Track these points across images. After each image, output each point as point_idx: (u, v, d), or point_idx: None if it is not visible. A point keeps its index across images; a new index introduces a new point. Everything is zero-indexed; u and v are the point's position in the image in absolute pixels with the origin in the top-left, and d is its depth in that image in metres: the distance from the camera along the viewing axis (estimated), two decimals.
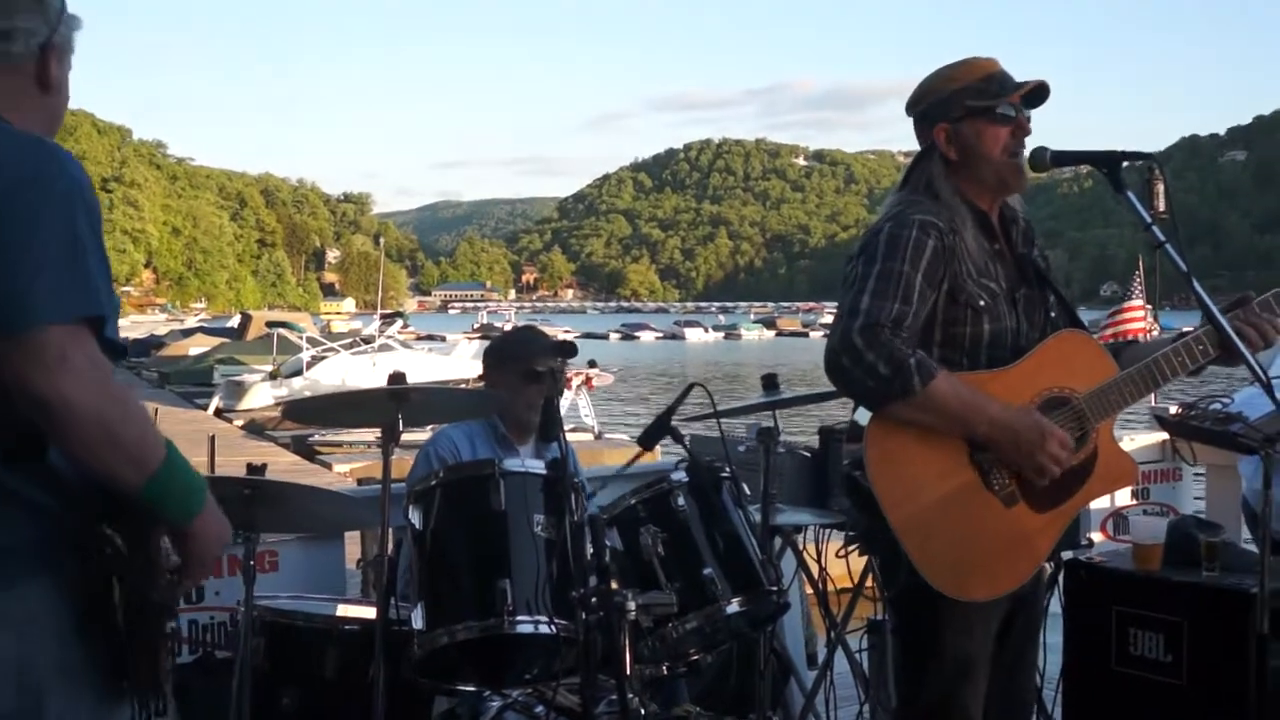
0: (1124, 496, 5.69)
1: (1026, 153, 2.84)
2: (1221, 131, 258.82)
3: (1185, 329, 2.91)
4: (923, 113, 2.89)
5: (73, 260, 1.83)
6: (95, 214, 1.90)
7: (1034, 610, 3.07)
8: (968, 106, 2.81)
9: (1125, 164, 2.72)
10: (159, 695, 2.02)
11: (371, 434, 19.95)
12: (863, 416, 2.76)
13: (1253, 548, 3.78)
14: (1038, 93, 2.85)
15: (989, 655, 2.84)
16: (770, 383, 4.06)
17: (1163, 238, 2.63)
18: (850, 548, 3.17)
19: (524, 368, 3.81)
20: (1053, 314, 2.96)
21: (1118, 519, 5.53)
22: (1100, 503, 5.47)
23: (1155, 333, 10.73)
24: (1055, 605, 3.87)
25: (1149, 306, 10.87)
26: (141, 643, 1.95)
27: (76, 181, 1.90)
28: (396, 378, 3.13)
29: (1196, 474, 6.19)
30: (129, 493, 1.87)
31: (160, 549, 1.98)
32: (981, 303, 2.77)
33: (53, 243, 1.81)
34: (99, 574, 1.91)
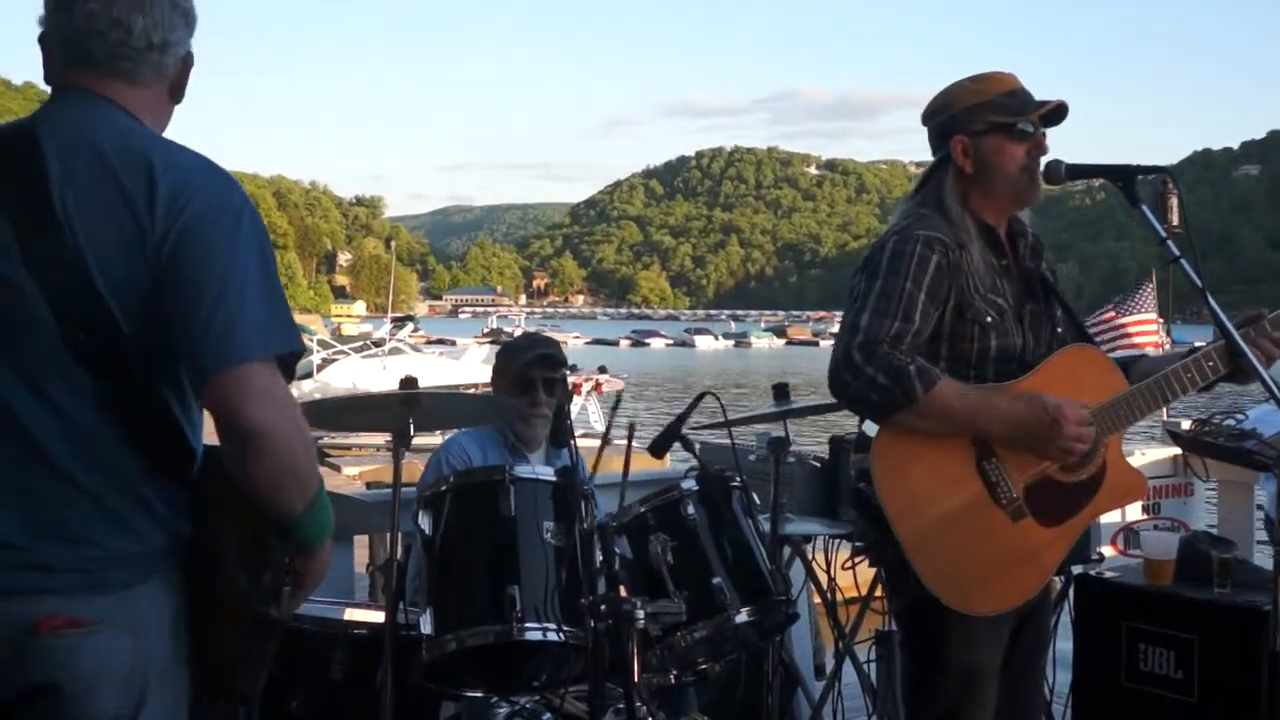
0: (1135, 511, 5.66)
1: (1040, 167, 2.84)
2: (1235, 145, 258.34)
3: (1197, 343, 2.89)
4: (941, 124, 2.88)
5: (271, 294, 1.91)
6: (270, 243, 1.97)
7: (1042, 624, 3.06)
8: (989, 121, 2.80)
9: (1140, 178, 2.71)
10: (249, 706, 2.07)
11: (381, 437, 20.00)
12: (871, 427, 2.76)
13: (1265, 564, 3.76)
14: (1057, 112, 2.84)
15: (997, 668, 2.83)
16: (781, 392, 4.06)
17: (1177, 252, 2.62)
18: (857, 559, 3.16)
19: (511, 378, 3.83)
20: (1059, 329, 2.95)
21: (1129, 534, 5.50)
22: (1111, 517, 5.44)
23: (1168, 346, 10.67)
24: (1065, 619, 3.86)
25: (1161, 320, 10.81)
26: (248, 658, 2.02)
27: (254, 209, 1.96)
28: (408, 383, 3.13)
29: (1208, 490, 6.17)
30: (286, 518, 1.95)
31: (283, 568, 2.04)
32: (989, 319, 2.76)
33: (253, 275, 1.89)
34: (207, 582, 1.97)
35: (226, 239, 1.88)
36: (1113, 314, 9.37)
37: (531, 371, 3.80)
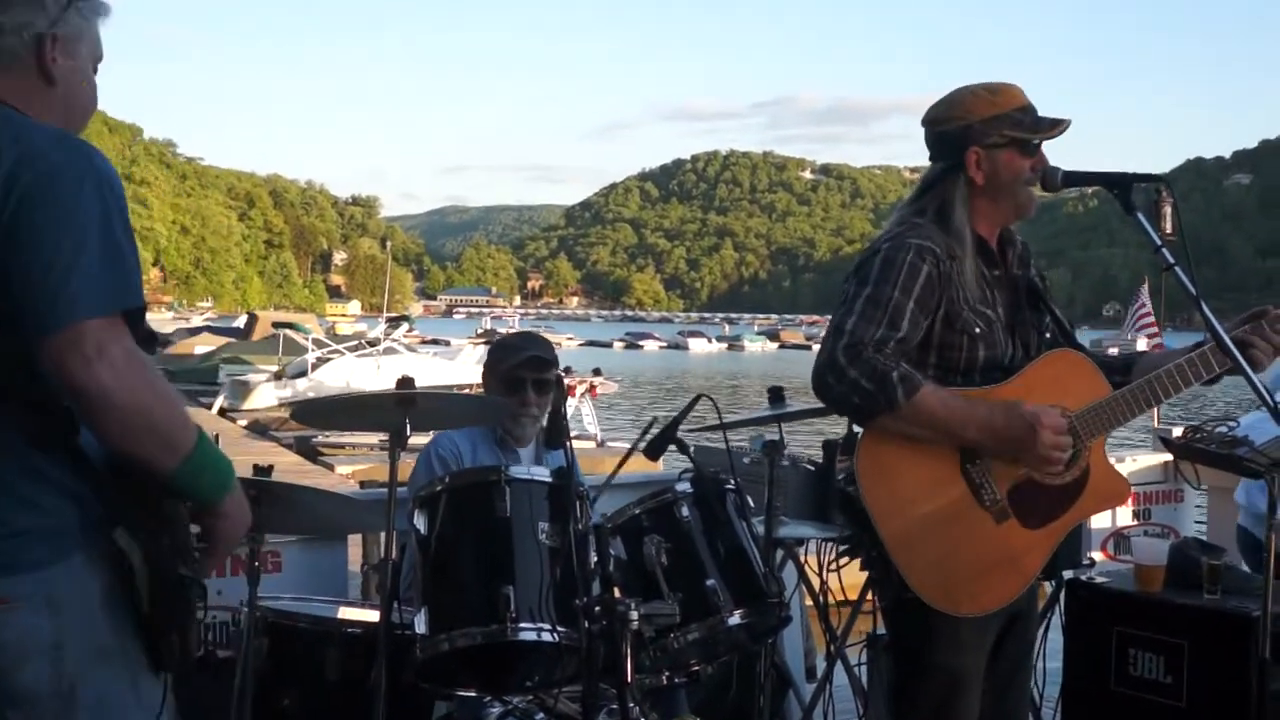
0: (1125, 517, 5.69)
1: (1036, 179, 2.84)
2: (1226, 155, 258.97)
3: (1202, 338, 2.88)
4: (952, 132, 2.84)
5: (109, 253, 1.87)
6: (124, 206, 1.94)
7: (1028, 627, 3.06)
8: (1006, 135, 2.79)
9: (1135, 186, 2.71)
10: (188, 671, 2.05)
11: (375, 437, 19.97)
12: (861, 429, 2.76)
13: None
14: (1060, 128, 2.85)
15: (981, 671, 2.83)
16: (777, 395, 4.06)
17: (1172, 259, 2.62)
18: (842, 561, 3.16)
19: (500, 377, 3.83)
20: (1048, 335, 2.95)
21: (1119, 539, 5.52)
22: (1101, 522, 5.46)
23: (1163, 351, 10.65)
24: (1056, 623, 3.87)
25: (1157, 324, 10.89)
26: (170, 620, 1.99)
27: (105, 174, 1.92)
28: (405, 382, 3.13)
29: (1198, 496, 6.18)
30: (162, 476, 1.92)
31: (186, 527, 2.02)
32: (977, 330, 2.77)
33: (88, 236, 1.85)
34: (126, 554, 1.94)
35: (62, 202, 1.85)
36: (1139, 304, 9.47)
37: (521, 372, 3.80)
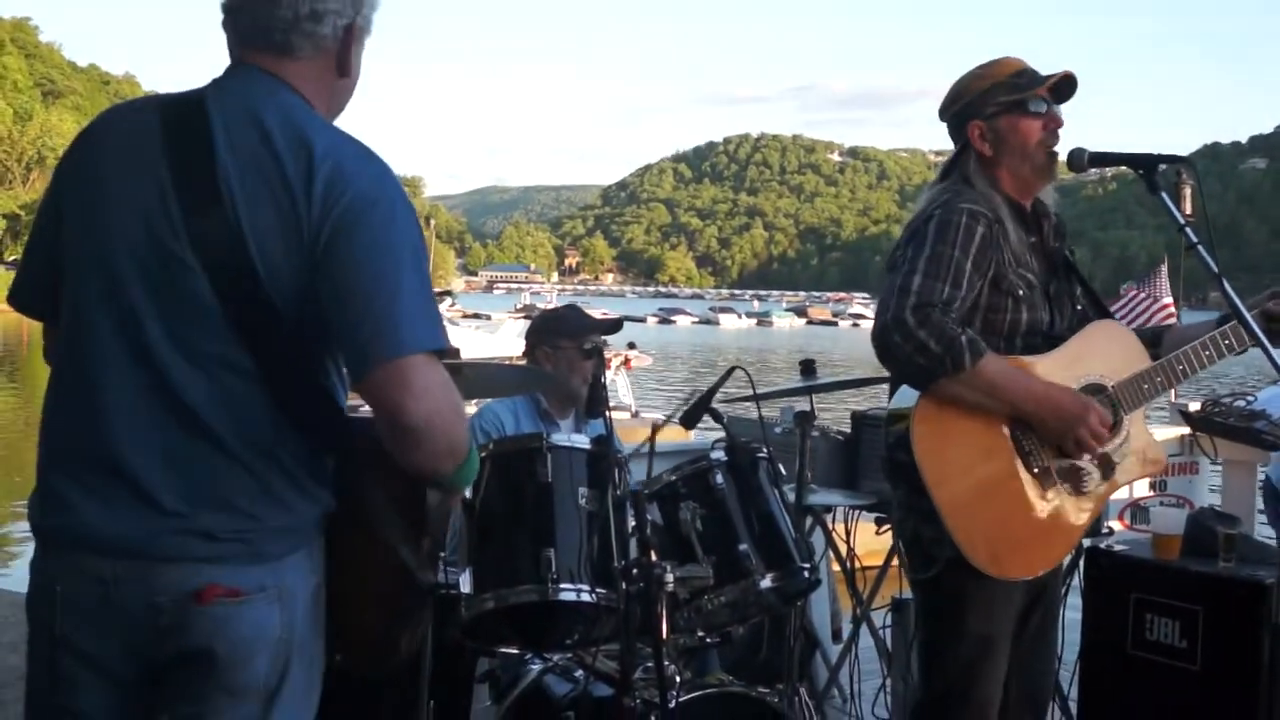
0: (1142, 488, 5.64)
1: (1063, 153, 2.80)
2: (1243, 139, 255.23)
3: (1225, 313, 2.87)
4: (956, 113, 2.86)
5: (425, 287, 1.85)
6: (422, 234, 1.90)
7: (1054, 595, 3.05)
8: (1000, 102, 2.78)
9: (1160, 167, 2.68)
10: (385, 671, 2.06)
11: None
12: (898, 403, 2.74)
13: (1268, 537, 3.73)
14: (1065, 85, 2.81)
15: (1009, 636, 2.82)
16: (808, 368, 4.05)
17: (1195, 239, 2.59)
18: (885, 527, 3.15)
19: (579, 343, 3.82)
20: (1080, 306, 2.93)
21: (1136, 509, 5.47)
22: (1119, 493, 5.41)
23: None
24: (1074, 590, 3.84)
25: (1174, 304, 10.77)
26: (404, 627, 1.99)
27: (409, 202, 1.89)
28: (451, 353, 3.13)
29: (1213, 468, 6.12)
30: (438, 478, 1.90)
31: (442, 530, 2.05)
32: (1021, 291, 2.75)
33: (407, 269, 1.81)
34: (367, 553, 1.93)
35: (381, 230, 1.80)
36: (1137, 291, 9.34)
37: (596, 337, 3.80)
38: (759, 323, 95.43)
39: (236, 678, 1.83)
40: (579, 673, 3.08)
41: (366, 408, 1.84)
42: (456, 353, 3.18)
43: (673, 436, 4.70)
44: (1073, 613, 3.76)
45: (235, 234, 1.79)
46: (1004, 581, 2.72)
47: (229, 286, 1.80)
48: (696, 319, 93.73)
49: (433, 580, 1.99)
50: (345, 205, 1.79)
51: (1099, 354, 2.78)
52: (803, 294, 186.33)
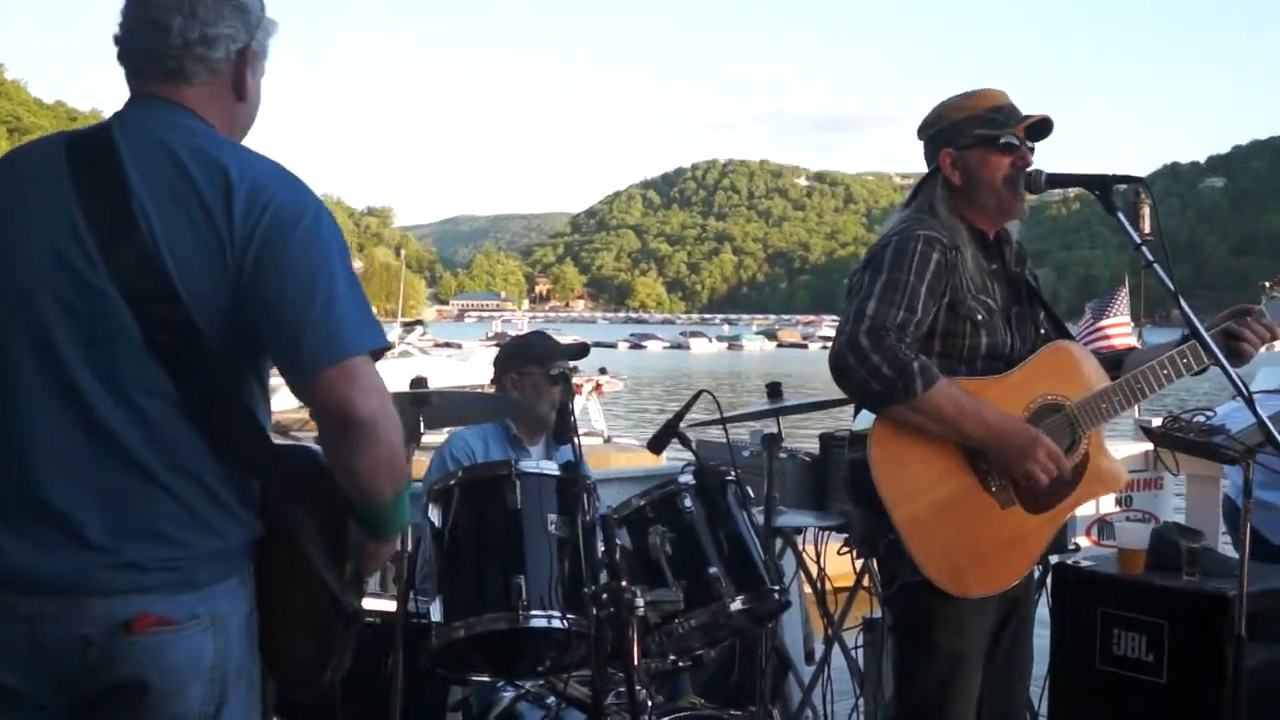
0: (1108, 504, 5.68)
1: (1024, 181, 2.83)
2: (1201, 159, 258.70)
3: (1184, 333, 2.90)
4: (932, 137, 2.89)
5: (358, 290, 1.87)
6: (345, 241, 1.93)
7: (1026, 611, 3.06)
8: (974, 135, 2.81)
9: (1116, 187, 2.71)
10: (313, 699, 2.03)
11: None
12: (861, 424, 2.75)
13: (1231, 552, 3.76)
14: (1041, 127, 2.85)
15: (982, 652, 2.83)
16: (775, 391, 4.06)
17: (1151, 257, 2.62)
18: (850, 548, 3.16)
19: (546, 368, 3.81)
20: (1043, 330, 2.96)
21: (1102, 525, 5.51)
22: (1086, 509, 5.44)
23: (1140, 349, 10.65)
24: (1043, 606, 3.86)
25: (1132, 323, 10.86)
26: (331, 652, 1.97)
27: (328, 210, 1.91)
28: (418, 382, 3.13)
29: (1176, 483, 6.17)
30: (375, 508, 1.91)
31: (363, 558, 2.01)
32: (979, 317, 2.77)
33: (339, 273, 1.84)
34: (293, 581, 1.92)
35: (309, 241, 1.83)
36: (1088, 317, 9.42)
37: (563, 362, 3.80)
38: (729, 346, 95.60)
39: (171, 707, 1.82)
40: (551, 699, 3.07)
41: (303, 433, 1.84)
42: (424, 382, 3.18)
43: (641, 461, 4.70)
44: (1041, 628, 3.78)
45: (154, 260, 1.80)
46: (972, 598, 2.73)
47: (149, 312, 1.80)
48: (667, 344, 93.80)
49: (356, 606, 1.97)
50: (269, 222, 1.81)
51: (1058, 374, 2.81)
52: (772, 317, 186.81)
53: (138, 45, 1.93)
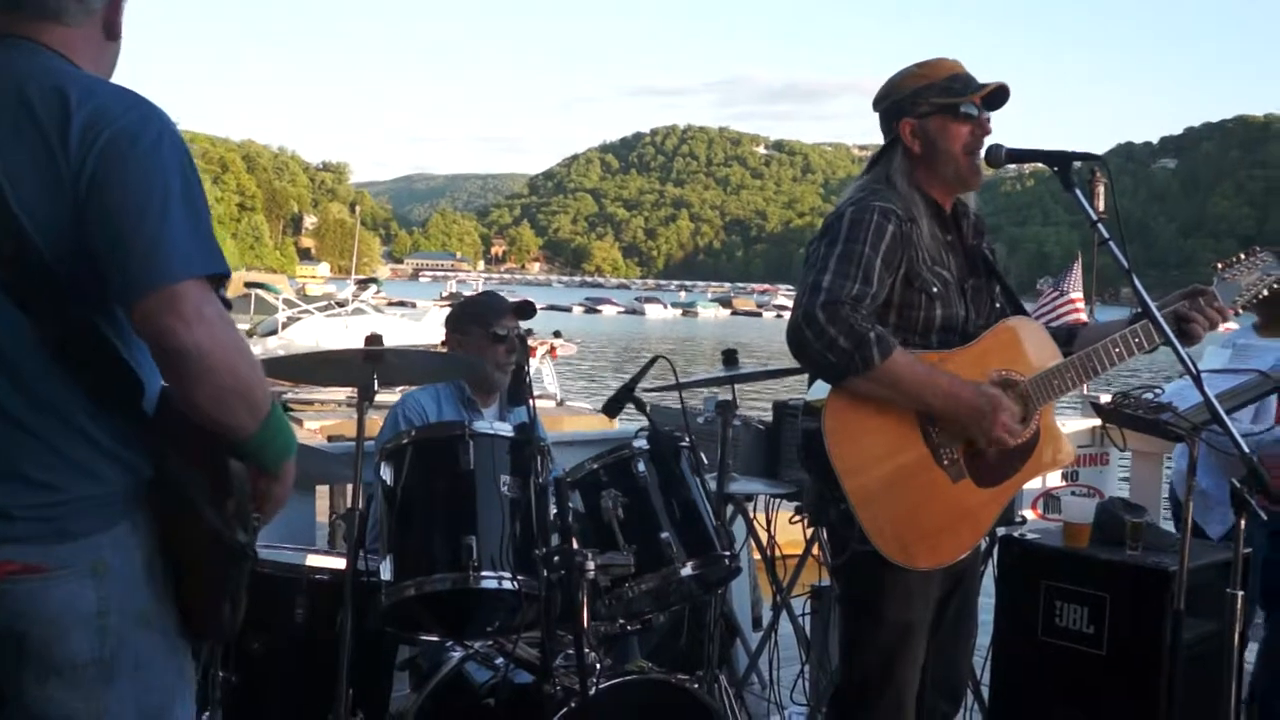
0: (1054, 478, 5.75)
1: (983, 152, 2.84)
2: (1155, 140, 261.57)
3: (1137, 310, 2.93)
4: (889, 108, 2.88)
5: (195, 215, 1.79)
6: (194, 167, 1.86)
7: (972, 583, 3.10)
8: (933, 103, 2.81)
9: (1074, 164, 2.73)
10: (231, 638, 1.97)
11: (342, 393, 19.80)
12: (818, 393, 2.76)
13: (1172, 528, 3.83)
14: (998, 94, 2.85)
15: (927, 624, 2.86)
16: (730, 358, 4.06)
17: (1106, 235, 2.64)
18: (801, 516, 3.18)
19: (489, 329, 3.80)
20: (998, 304, 2.98)
21: (1048, 499, 5.59)
22: (1033, 484, 5.52)
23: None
24: (988, 577, 3.91)
25: (1084, 300, 11.00)
26: (224, 588, 1.92)
27: (177, 133, 1.84)
28: (374, 339, 3.10)
29: (1122, 459, 6.27)
30: (240, 439, 1.85)
31: (247, 492, 1.94)
32: (935, 289, 2.78)
33: (172, 197, 1.77)
34: (174, 519, 1.87)
35: (144, 161, 1.77)
36: (1048, 290, 9.53)
37: (508, 322, 3.78)
38: (684, 313, 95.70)
39: (52, 655, 1.79)
40: (500, 660, 3.07)
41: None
42: (380, 339, 3.14)
43: (595, 425, 4.69)
44: (985, 598, 3.83)
45: None
46: (919, 570, 2.75)
47: None
48: (622, 309, 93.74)
49: (242, 540, 1.90)
50: (106, 142, 1.76)
51: (1012, 349, 2.83)
52: (728, 285, 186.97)
53: None
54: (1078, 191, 2.67)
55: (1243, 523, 2.83)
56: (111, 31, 1.97)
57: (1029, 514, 5.39)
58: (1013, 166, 2.90)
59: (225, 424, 1.82)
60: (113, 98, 1.82)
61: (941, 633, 2.94)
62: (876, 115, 2.93)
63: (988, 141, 2.83)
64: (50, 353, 1.79)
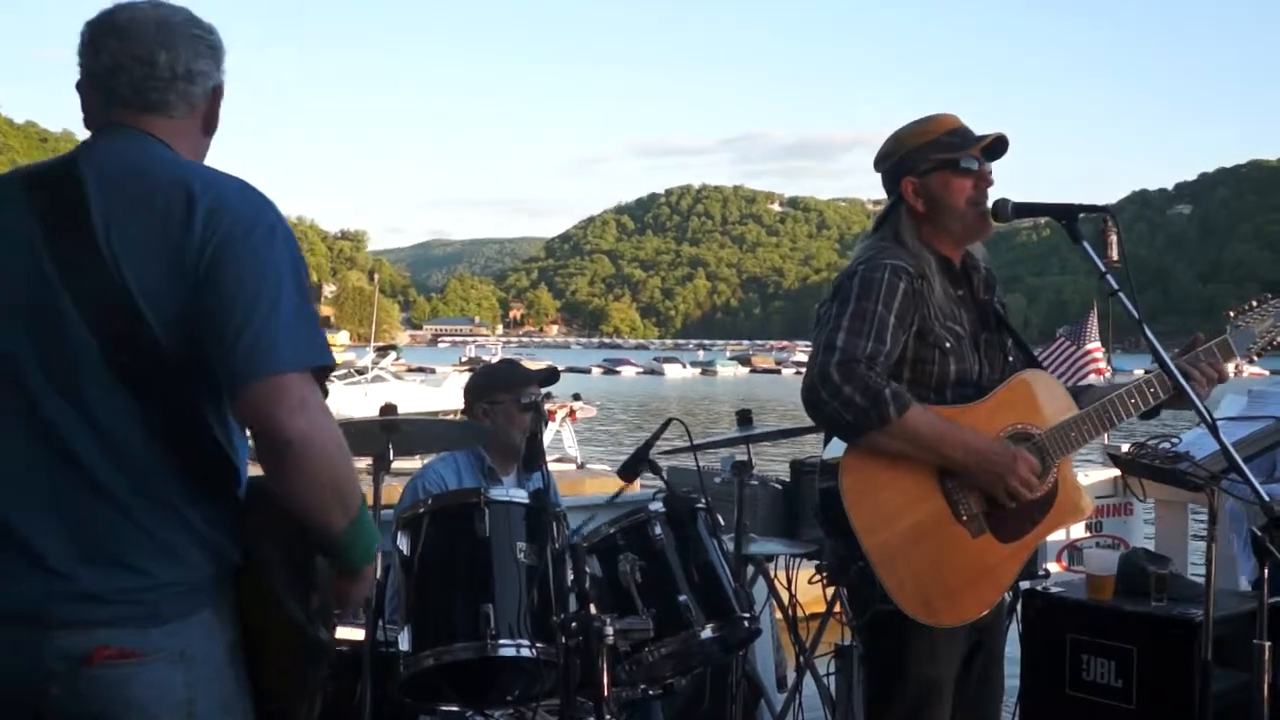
0: (1078, 529, 5.71)
1: (990, 203, 2.86)
2: (1170, 187, 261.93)
3: (1137, 371, 2.93)
4: (891, 167, 2.90)
5: (304, 308, 1.84)
6: (304, 262, 1.91)
7: (997, 638, 3.06)
8: (934, 160, 2.83)
9: (1081, 216, 2.74)
10: None
11: (361, 461, 19.78)
12: (833, 452, 2.76)
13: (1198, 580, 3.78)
14: (998, 145, 2.87)
15: (954, 680, 2.83)
16: (745, 418, 4.07)
17: (1116, 285, 2.64)
18: (822, 576, 3.16)
19: (515, 396, 3.82)
20: (1010, 358, 2.97)
21: (1072, 551, 5.54)
22: (1056, 535, 5.47)
23: (1109, 374, 10.84)
24: (1014, 632, 3.87)
25: (1102, 348, 10.99)
26: (305, 686, 1.94)
27: (288, 228, 1.90)
28: (387, 409, 3.12)
29: (1146, 509, 6.22)
30: (329, 534, 1.87)
31: (331, 590, 1.96)
32: (948, 344, 2.78)
33: (283, 289, 1.82)
34: (259, 611, 1.89)
35: (258, 251, 1.82)
36: (1067, 344, 9.49)
37: (534, 389, 3.81)
38: (703, 372, 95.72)
39: None
40: None
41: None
42: (394, 409, 3.17)
43: (611, 488, 4.69)
44: (1011, 653, 3.79)
45: (114, 282, 1.79)
46: (942, 626, 2.73)
47: (111, 332, 1.79)
48: (641, 369, 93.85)
49: (326, 637, 1.92)
50: (224, 231, 1.81)
51: (1026, 402, 2.82)
52: (746, 343, 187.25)
53: (120, 76, 1.93)
54: (1086, 244, 2.68)
55: (1267, 571, 2.81)
56: (209, 126, 2.05)
57: (1053, 566, 5.35)
58: (1030, 217, 2.92)
59: (317, 517, 1.84)
60: (232, 189, 1.87)
61: (969, 690, 2.90)
62: (880, 173, 2.95)
63: (991, 192, 2.84)
64: (155, 436, 1.82)
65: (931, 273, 2.79)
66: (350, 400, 25.97)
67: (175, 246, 1.80)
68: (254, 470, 1.91)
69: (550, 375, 3.70)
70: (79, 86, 1.99)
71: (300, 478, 1.79)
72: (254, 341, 1.76)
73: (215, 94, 2.03)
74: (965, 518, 2.71)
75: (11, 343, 1.83)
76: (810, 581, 3.63)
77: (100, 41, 1.94)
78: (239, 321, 1.77)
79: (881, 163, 2.94)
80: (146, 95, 1.94)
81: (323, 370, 1.85)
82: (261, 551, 1.88)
